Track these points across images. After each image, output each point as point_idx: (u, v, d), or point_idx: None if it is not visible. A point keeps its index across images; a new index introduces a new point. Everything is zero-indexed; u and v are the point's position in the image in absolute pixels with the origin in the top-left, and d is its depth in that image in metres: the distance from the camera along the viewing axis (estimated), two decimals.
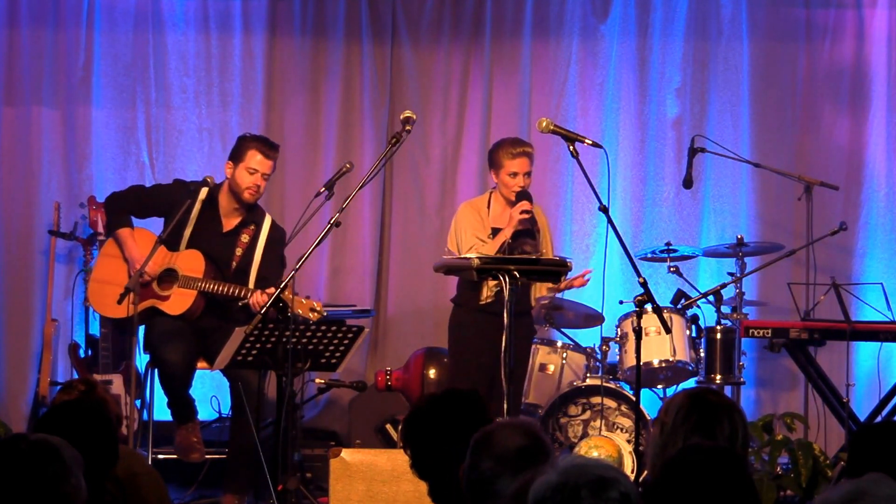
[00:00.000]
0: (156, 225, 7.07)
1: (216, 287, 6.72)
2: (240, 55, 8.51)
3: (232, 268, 6.86)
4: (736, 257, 7.72)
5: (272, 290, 6.47)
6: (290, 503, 6.45)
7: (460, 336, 6.92)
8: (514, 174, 6.82)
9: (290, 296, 5.91)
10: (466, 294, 6.90)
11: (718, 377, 7.46)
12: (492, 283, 6.73)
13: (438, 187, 8.53)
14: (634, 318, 6.08)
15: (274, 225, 6.98)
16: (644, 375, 6.85)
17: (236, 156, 6.84)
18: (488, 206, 6.92)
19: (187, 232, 6.84)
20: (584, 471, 2.89)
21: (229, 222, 6.92)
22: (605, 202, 5.91)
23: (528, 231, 6.90)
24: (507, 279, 5.99)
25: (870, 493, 2.83)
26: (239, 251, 6.88)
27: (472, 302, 6.86)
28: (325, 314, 6.36)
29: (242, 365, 6.12)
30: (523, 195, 6.76)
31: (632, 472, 6.82)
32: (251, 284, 6.79)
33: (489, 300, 6.78)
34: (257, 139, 6.89)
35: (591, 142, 6.09)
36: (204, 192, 6.85)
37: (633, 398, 6.69)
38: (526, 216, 6.74)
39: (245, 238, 6.90)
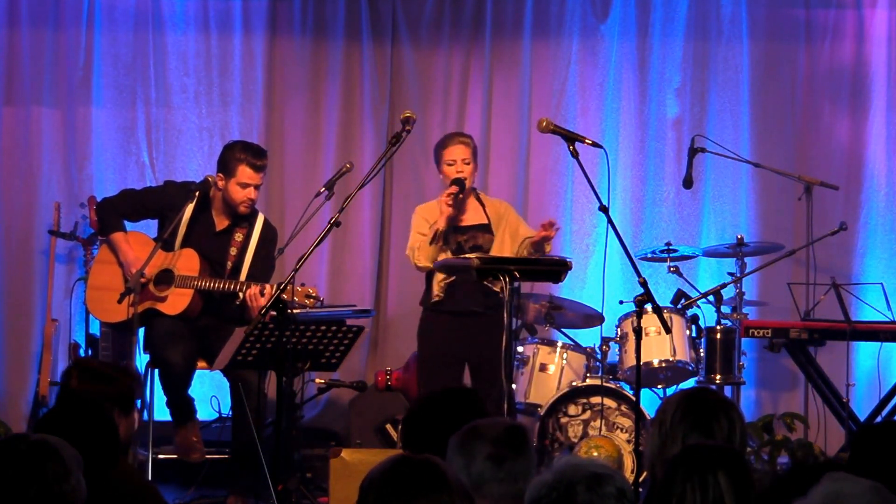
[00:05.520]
0: (148, 227, 7.07)
1: (212, 284, 6.73)
2: (240, 55, 8.50)
3: (227, 267, 6.86)
4: (736, 257, 7.72)
5: (269, 288, 6.48)
6: (290, 503, 6.46)
7: (423, 339, 7.03)
8: (452, 162, 6.87)
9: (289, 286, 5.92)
10: (425, 294, 6.96)
11: (718, 377, 7.46)
12: (440, 278, 6.77)
13: (438, 187, 8.50)
14: (634, 318, 6.08)
15: (267, 224, 6.99)
16: (644, 375, 6.84)
17: (226, 169, 6.82)
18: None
19: (181, 232, 6.84)
20: (579, 469, 2.91)
21: (222, 221, 6.93)
22: (605, 202, 5.91)
23: (484, 226, 6.92)
24: (507, 279, 5.99)
25: (846, 493, 2.84)
26: (233, 250, 6.88)
27: (426, 302, 6.92)
28: (321, 300, 6.37)
29: (242, 365, 6.12)
30: (454, 182, 6.80)
31: (632, 472, 6.82)
32: None
33: (439, 298, 6.82)
34: (245, 151, 6.84)
35: (591, 142, 6.09)
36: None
37: (633, 398, 6.69)
38: (450, 200, 6.76)
39: (239, 237, 6.90)
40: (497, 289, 6.86)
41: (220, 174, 6.84)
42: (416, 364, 7.25)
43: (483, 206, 7.00)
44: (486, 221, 6.96)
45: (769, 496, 3.16)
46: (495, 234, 6.94)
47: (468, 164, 6.90)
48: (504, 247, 6.91)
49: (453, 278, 6.80)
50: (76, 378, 4.35)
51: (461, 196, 6.85)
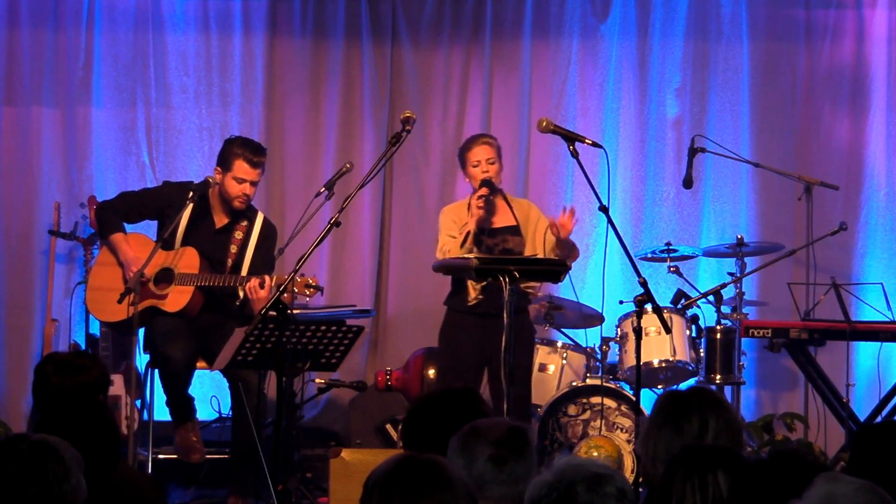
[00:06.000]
0: (148, 228, 7.07)
1: (212, 280, 6.73)
2: (240, 55, 8.51)
3: (227, 265, 6.86)
4: (736, 257, 7.72)
5: (269, 280, 6.48)
6: (290, 503, 6.46)
7: (449, 338, 6.92)
8: (477, 163, 6.83)
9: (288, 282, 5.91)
10: (455, 296, 6.89)
11: (718, 377, 7.46)
12: (477, 283, 6.74)
13: (438, 187, 8.53)
14: (634, 318, 6.08)
15: (266, 222, 7.00)
16: (644, 375, 6.85)
17: (223, 163, 6.84)
18: (468, 209, 6.90)
19: (181, 231, 6.85)
20: (580, 469, 2.91)
21: (221, 219, 6.93)
22: (605, 202, 5.91)
23: (513, 227, 6.89)
24: (507, 279, 5.98)
25: (840, 494, 2.84)
26: (234, 248, 6.88)
27: (460, 304, 6.86)
28: (321, 288, 6.36)
29: (242, 365, 6.12)
30: (484, 183, 6.77)
31: (632, 472, 6.83)
32: None
33: (477, 301, 6.78)
34: (243, 146, 6.84)
35: (591, 142, 6.09)
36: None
37: (633, 398, 6.69)
38: (481, 202, 6.73)
39: (239, 235, 6.91)
40: (529, 289, 6.84)
41: (218, 168, 6.86)
42: (436, 363, 7.21)
43: (511, 207, 6.95)
44: (514, 223, 6.90)
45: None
46: (525, 236, 6.89)
47: (493, 163, 6.83)
48: (537, 250, 6.85)
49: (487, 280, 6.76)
50: (56, 376, 4.35)
51: (492, 197, 6.81)
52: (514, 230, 6.87)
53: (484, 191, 6.73)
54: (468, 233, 6.70)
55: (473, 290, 6.75)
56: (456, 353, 6.84)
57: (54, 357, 4.56)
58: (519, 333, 6.60)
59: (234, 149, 6.83)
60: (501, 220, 6.90)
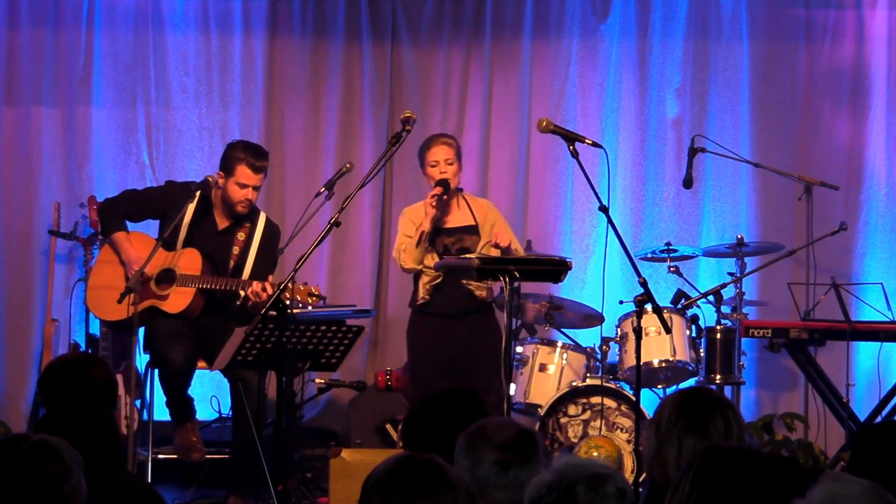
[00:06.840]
0: (150, 228, 7.08)
1: (214, 283, 6.73)
2: (240, 55, 8.51)
3: (230, 266, 6.86)
4: (736, 257, 7.72)
5: (271, 280, 6.49)
6: (290, 503, 6.46)
7: (410, 340, 7.08)
8: (435, 163, 6.87)
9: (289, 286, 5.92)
10: (412, 295, 6.98)
11: (718, 377, 7.46)
12: (425, 280, 6.79)
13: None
14: (634, 318, 6.08)
15: (268, 222, 7.00)
16: (644, 375, 6.84)
17: (226, 168, 6.84)
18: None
19: (183, 231, 6.85)
20: (580, 468, 2.91)
21: (223, 221, 6.93)
22: (605, 202, 5.91)
23: (472, 227, 6.92)
24: (507, 279, 5.99)
25: (843, 494, 2.84)
26: (236, 249, 6.89)
27: (413, 303, 6.93)
28: (324, 298, 6.37)
29: (242, 365, 6.12)
30: (438, 183, 6.82)
31: (632, 472, 6.83)
32: None
33: (424, 300, 6.83)
34: (246, 151, 6.84)
35: (591, 142, 6.09)
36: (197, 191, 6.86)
37: (633, 398, 6.69)
38: (433, 201, 6.76)
39: (241, 236, 6.91)
40: (479, 293, 6.88)
41: (221, 172, 6.86)
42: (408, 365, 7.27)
43: (470, 207, 6.99)
44: (473, 223, 6.96)
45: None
46: (481, 235, 6.93)
47: (451, 164, 6.89)
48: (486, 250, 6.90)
49: (439, 280, 6.83)
50: (64, 379, 4.33)
51: (445, 197, 6.84)
52: (472, 229, 6.93)
53: (437, 190, 6.79)
54: (422, 232, 6.74)
55: (423, 289, 6.83)
56: (418, 354, 6.97)
57: (61, 359, 4.56)
58: (478, 333, 6.67)
59: (236, 153, 6.83)
60: (459, 219, 6.96)
